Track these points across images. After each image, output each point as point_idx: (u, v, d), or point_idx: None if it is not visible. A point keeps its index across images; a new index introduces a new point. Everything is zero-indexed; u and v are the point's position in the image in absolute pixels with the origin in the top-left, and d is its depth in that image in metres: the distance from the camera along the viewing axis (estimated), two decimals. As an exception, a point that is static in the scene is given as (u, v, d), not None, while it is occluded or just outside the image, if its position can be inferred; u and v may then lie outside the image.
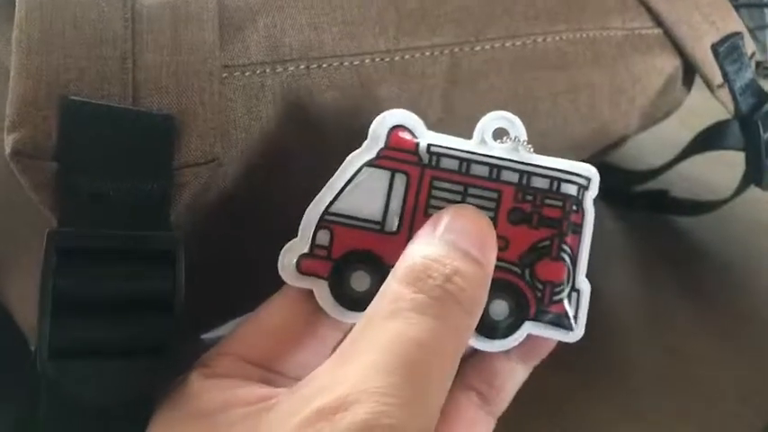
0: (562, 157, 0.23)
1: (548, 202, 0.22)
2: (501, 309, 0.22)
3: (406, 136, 0.22)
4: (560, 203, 0.22)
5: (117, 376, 0.20)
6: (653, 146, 0.41)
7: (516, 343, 0.22)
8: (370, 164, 0.22)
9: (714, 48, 0.33)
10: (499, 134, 0.22)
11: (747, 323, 0.36)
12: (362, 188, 0.22)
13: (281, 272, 0.22)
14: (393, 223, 0.22)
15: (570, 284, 0.22)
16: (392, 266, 0.21)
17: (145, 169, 0.20)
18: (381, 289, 0.20)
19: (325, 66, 0.24)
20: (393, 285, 0.20)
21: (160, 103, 0.21)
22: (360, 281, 0.22)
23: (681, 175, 0.41)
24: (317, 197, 0.22)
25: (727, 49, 0.33)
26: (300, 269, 0.22)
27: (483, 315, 0.21)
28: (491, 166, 0.22)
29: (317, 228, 0.22)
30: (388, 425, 0.17)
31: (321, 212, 0.22)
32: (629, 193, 0.43)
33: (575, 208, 0.22)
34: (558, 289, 0.22)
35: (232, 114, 0.22)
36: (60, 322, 0.20)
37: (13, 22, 0.20)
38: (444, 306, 0.19)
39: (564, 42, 0.29)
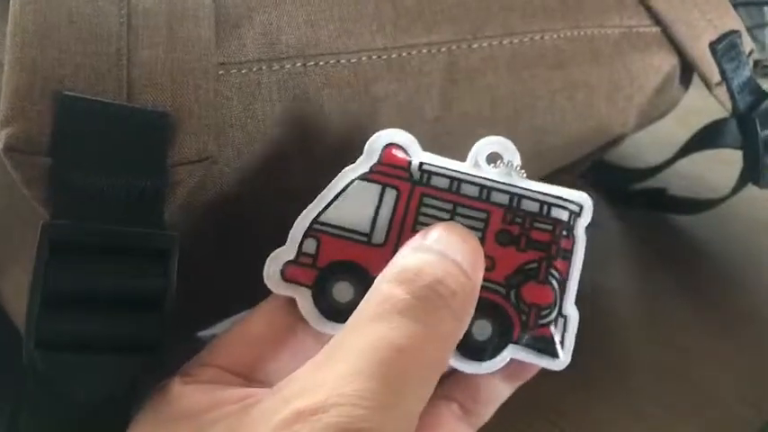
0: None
1: (537, 225, 0.22)
2: (484, 329, 0.22)
3: (400, 153, 0.22)
4: (550, 227, 0.22)
5: (104, 372, 0.20)
6: (651, 144, 0.41)
7: (497, 367, 0.22)
8: (361, 177, 0.22)
9: (712, 46, 0.33)
10: (493, 158, 0.22)
11: (747, 321, 0.36)
12: (352, 200, 0.22)
13: (265, 279, 0.22)
14: (380, 236, 0.22)
15: (557, 309, 0.22)
16: (376, 278, 0.20)
17: (139, 166, 0.20)
18: (368, 293, 0.20)
19: (321, 63, 0.24)
20: (381, 286, 0.20)
21: (155, 99, 0.21)
22: (343, 292, 0.22)
23: (679, 174, 0.41)
24: (308, 207, 0.22)
25: (724, 48, 0.33)
26: (285, 276, 0.22)
27: (465, 334, 0.21)
28: (481, 186, 0.22)
29: (305, 236, 0.22)
30: (363, 428, 0.17)
31: (310, 221, 0.22)
32: (628, 191, 0.43)
33: (565, 233, 0.22)
34: (544, 312, 0.22)
35: (228, 112, 0.22)
36: (49, 314, 0.20)
37: (7, 16, 0.20)
38: (432, 309, 0.19)
39: (562, 40, 0.29)
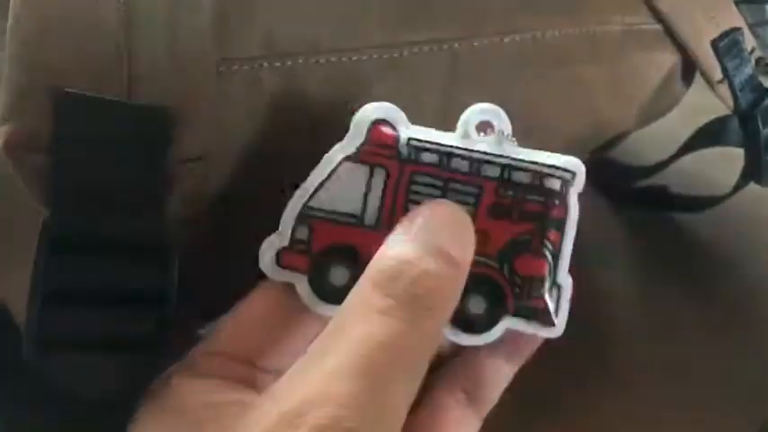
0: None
1: (529, 197, 0.22)
2: (478, 303, 0.22)
3: (387, 130, 0.22)
4: (542, 198, 0.22)
5: (104, 370, 0.20)
6: (652, 142, 0.41)
7: (494, 338, 0.22)
8: (349, 158, 0.22)
9: (714, 43, 0.33)
10: (483, 127, 0.22)
11: (749, 320, 0.36)
12: (341, 183, 0.22)
13: (261, 266, 0.22)
14: (372, 218, 0.22)
15: (551, 280, 0.22)
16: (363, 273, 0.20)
17: (139, 163, 0.20)
18: (353, 290, 0.20)
19: (323, 60, 0.24)
20: (362, 287, 0.20)
21: (155, 96, 0.21)
22: (339, 275, 0.22)
23: (680, 172, 0.41)
24: (298, 191, 0.22)
25: (726, 45, 0.33)
26: (280, 263, 0.22)
27: (460, 309, 0.21)
28: (472, 160, 0.22)
29: (297, 222, 0.22)
30: (347, 428, 0.17)
31: (300, 207, 0.22)
32: (629, 188, 0.43)
33: (557, 203, 0.22)
34: (537, 284, 0.22)
35: (228, 109, 0.22)
36: (50, 312, 0.20)
37: (6, 13, 0.20)
38: (411, 309, 0.19)
39: (563, 38, 0.29)
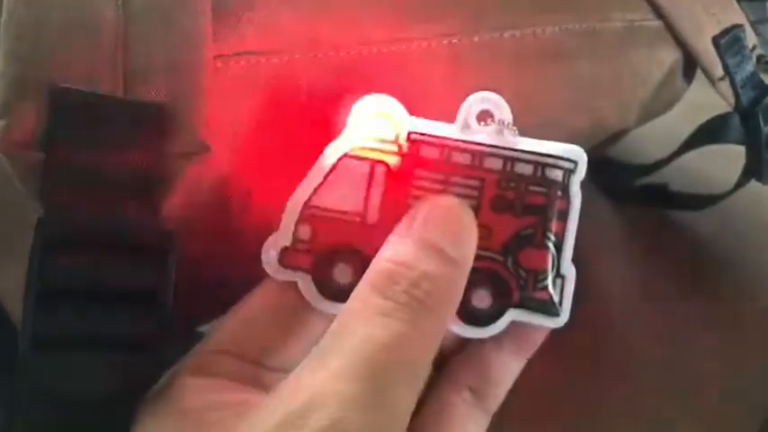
0: None
1: (532, 189, 0.22)
2: (483, 297, 0.22)
3: (387, 124, 0.22)
4: (545, 190, 0.22)
5: (101, 369, 0.20)
6: (653, 139, 0.41)
7: (500, 330, 0.22)
8: (349, 155, 0.21)
9: (715, 40, 0.33)
10: (483, 117, 0.22)
11: (749, 318, 0.36)
12: (342, 180, 0.22)
13: (264, 265, 0.22)
14: (374, 214, 0.22)
15: (555, 271, 0.22)
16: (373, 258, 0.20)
17: (135, 160, 0.20)
18: (354, 292, 0.20)
19: (321, 56, 0.23)
20: (363, 289, 0.20)
21: (151, 91, 0.20)
22: (342, 273, 0.22)
23: (681, 169, 0.40)
24: (298, 188, 0.22)
25: (728, 42, 0.33)
26: (283, 262, 0.22)
27: (465, 304, 0.21)
28: (473, 153, 0.21)
29: (299, 220, 0.22)
30: (350, 430, 0.17)
31: (302, 205, 0.21)
32: (629, 186, 0.43)
33: (560, 194, 0.22)
34: (541, 276, 0.22)
35: (226, 104, 0.22)
36: (45, 312, 0.20)
37: (1, 8, 0.20)
38: (412, 311, 0.19)
39: (564, 33, 0.29)
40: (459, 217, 0.21)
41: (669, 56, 0.33)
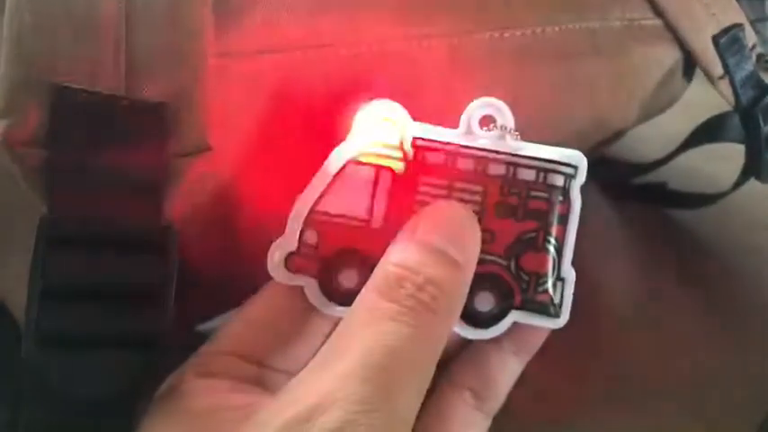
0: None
1: (533, 194, 0.22)
2: (486, 300, 0.22)
3: (391, 129, 0.22)
4: (546, 195, 0.22)
5: (103, 367, 0.20)
6: (652, 138, 0.41)
7: (501, 332, 0.23)
8: (354, 160, 0.22)
9: (715, 39, 0.33)
10: (486, 122, 0.22)
11: (748, 315, 0.36)
12: (348, 185, 0.22)
13: (270, 270, 0.22)
14: (380, 220, 0.22)
15: (555, 274, 0.23)
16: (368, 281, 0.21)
17: (138, 158, 0.20)
18: (359, 295, 0.20)
19: (323, 53, 0.23)
20: (369, 293, 0.20)
21: (154, 90, 0.20)
22: (348, 277, 0.22)
23: (680, 168, 0.40)
24: (304, 193, 0.22)
25: (727, 41, 0.33)
26: (289, 267, 0.22)
27: (468, 306, 0.22)
28: (477, 159, 0.22)
29: (305, 226, 0.22)
30: None
31: (308, 210, 0.22)
32: (628, 185, 0.43)
33: (561, 199, 0.22)
34: (542, 279, 0.22)
35: (228, 102, 0.22)
36: (48, 309, 0.20)
37: (4, 6, 0.20)
38: (418, 314, 0.19)
39: (563, 33, 0.29)
40: (464, 222, 0.21)
41: (669, 55, 0.33)
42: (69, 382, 0.20)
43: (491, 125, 0.22)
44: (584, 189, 0.23)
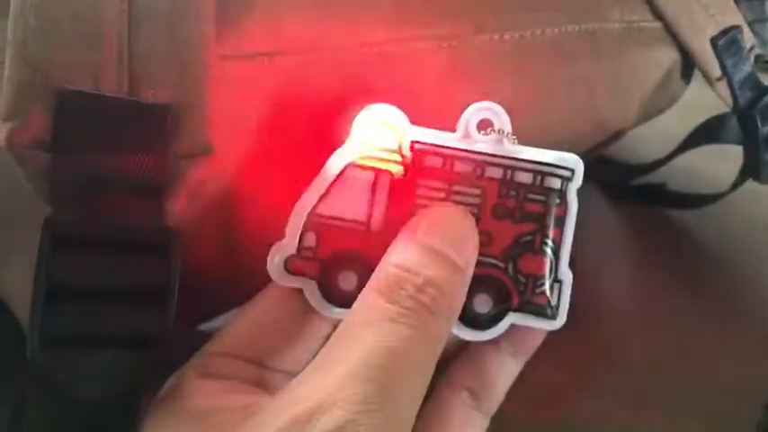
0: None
1: (531, 197, 0.22)
2: (484, 302, 0.23)
3: (390, 133, 0.22)
4: (544, 198, 0.22)
5: (107, 367, 0.20)
6: (651, 139, 0.41)
7: (499, 333, 0.23)
8: (353, 164, 0.22)
9: (713, 41, 0.33)
10: (484, 126, 0.23)
11: (747, 315, 0.36)
12: (347, 189, 0.22)
13: (270, 272, 0.22)
14: (379, 223, 0.22)
15: (553, 276, 0.23)
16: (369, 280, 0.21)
17: (140, 160, 0.20)
18: (360, 296, 0.20)
19: (324, 56, 0.24)
20: (369, 295, 0.20)
21: (156, 93, 0.21)
22: (347, 280, 0.22)
23: (678, 169, 0.41)
24: (303, 197, 0.22)
25: (726, 43, 0.33)
26: (289, 269, 0.22)
27: (467, 308, 0.22)
28: (475, 162, 0.22)
29: (304, 228, 0.22)
30: None
31: (307, 213, 0.22)
32: (627, 186, 0.43)
33: (557, 201, 0.22)
34: (540, 281, 0.23)
35: (229, 105, 0.22)
36: (53, 310, 0.20)
37: (8, 10, 0.20)
38: (417, 316, 0.20)
39: (563, 35, 0.29)
40: (462, 224, 0.21)
41: (668, 56, 0.33)
42: (72, 381, 0.20)
43: (488, 129, 0.22)
44: (583, 190, 0.23)
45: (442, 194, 0.22)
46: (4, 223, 0.24)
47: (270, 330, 0.23)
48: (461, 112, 0.23)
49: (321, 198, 0.22)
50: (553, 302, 0.23)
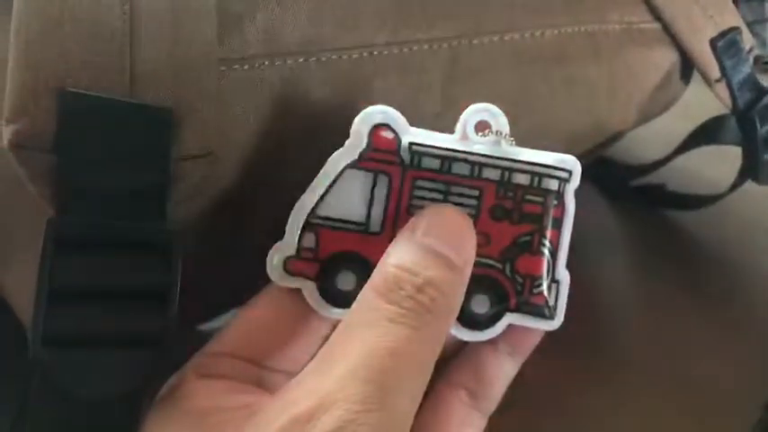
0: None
1: (528, 197, 0.22)
2: (482, 303, 0.23)
3: (388, 135, 0.22)
4: (541, 199, 0.23)
5: (109, 367, 0.21)
6: (650, 140, 0.41)
7: (497, 333, 0.23)
8: (352, 165, 0.22)
9: (712, 42, 0.33)
10: (482, 127, 0.23)
11: (746, 316, 0.36)
12: (345, 190, 0.22)
13: (269, 273, 0.22)
14: (377, 224, 0.22)
15: (550, 276, 0.23)
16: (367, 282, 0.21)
17: (142, 162, 0.21)
18: (359, 296, 0.21)
19: (323, 59, 0.24)
20: (368, 295, 0.20)
21: (158, 95, 0.21)
22: (346, 280, 0.22)
23: (678, 170, 0.41)
24: (302, 198, 0.22)
25: (725, 44, 0.33)
26: (288, 270, 0.22)
27: (464, 308, 0.22)
28: (473, 164, 0.22)
29: (303, 230, 0.22)
30: (357, 431, 0.18)
31: (306, 215, 0.22)
32: (626, 186, 0.43)
33: (555, 202, 0.23)
34: (537, 282, 0.23)
35: (230, 108, 0.22)
36: (55, 310, 0.20)
37: (11, 13, 0.20)
38: (416, 316, 0.20)
39: (562, 36, 0.29)
40: (460, 225, 0.21)
41: (667, 58, 0.33)
42: (75, 382, 0.20)
43: (486, 130, 0.22)
44: (583, 190, 0.23)
45: (440, 195, 0.22)
46: (7, 225, 0.24)
47: (269, 331, 0.23)
48: (459, 114, 0.23)
49: (320, 199, 0.22)
50: (551, 303, 0.23)
